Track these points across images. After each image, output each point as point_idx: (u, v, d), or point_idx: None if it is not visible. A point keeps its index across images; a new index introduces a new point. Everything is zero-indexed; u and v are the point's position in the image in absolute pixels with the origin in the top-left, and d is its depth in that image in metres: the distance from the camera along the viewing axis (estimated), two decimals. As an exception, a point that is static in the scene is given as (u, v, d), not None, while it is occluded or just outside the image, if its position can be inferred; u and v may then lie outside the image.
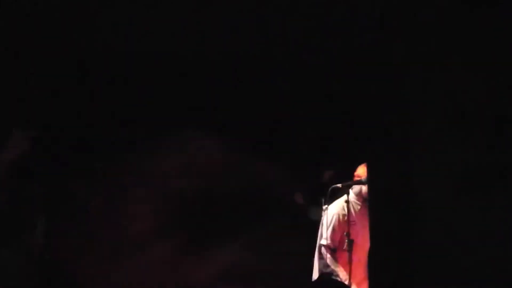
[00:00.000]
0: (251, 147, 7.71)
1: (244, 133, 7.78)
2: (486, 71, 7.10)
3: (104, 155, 7.40)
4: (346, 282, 6.18)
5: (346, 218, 6.32)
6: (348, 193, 6.11)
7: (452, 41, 7.18)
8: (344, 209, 6.36)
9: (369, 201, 6.29)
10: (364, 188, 6.20)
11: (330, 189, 5.97)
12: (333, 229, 6.31)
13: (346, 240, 6.01)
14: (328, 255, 6.23)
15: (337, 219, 6.36)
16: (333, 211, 6.40)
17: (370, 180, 6.11)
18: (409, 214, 7.34)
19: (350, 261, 6.14)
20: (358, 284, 6.24)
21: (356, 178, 6.27)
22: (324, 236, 6.16)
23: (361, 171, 6.29)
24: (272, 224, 6.73)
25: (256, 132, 7.78)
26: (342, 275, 6.31)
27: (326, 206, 6.18)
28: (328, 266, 6.20)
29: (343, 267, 6.37)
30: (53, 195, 6.93)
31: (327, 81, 7.76)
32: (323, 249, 6.13)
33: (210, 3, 7.08)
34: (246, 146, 7.72)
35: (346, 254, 6.28)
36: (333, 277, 6.10)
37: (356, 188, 6.26)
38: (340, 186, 6.04)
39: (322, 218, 6.07)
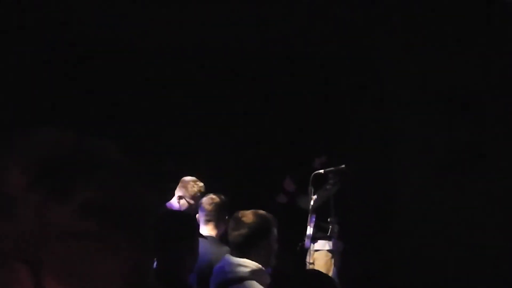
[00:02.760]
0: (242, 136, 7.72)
1: (235, 122, 7.79)
2: (462, 54, 7.02)
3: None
4: None
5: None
6: (331, 179, 6.05)
7: (429, 26, 7.10)
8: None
9: (349, 187, 6.23)
10: None
11: (312, 175, 5.93)
12: None
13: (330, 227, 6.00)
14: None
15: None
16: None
17: (349, 166, 6.03)
18: (388, 197, 7.33)
19: None
20: None
21: None
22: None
23: None
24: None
25: (247, 121, 7.78)
26: None
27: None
28: None
29: None
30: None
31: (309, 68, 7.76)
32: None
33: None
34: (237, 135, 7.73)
35: None
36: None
37: None
38: (323, 172, 5.99)
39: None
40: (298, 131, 7.63)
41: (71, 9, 7.19)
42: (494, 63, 6.95)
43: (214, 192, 5.48)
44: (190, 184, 6.06)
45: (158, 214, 4.83)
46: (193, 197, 5.95)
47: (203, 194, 5.79)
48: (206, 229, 5.17)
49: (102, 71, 7.59)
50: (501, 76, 6.95)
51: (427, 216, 6.93)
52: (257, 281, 3.65)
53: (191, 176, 6.16)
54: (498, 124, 6.94)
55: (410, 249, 6.96)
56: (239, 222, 3.84)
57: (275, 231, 3.89)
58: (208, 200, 5.34)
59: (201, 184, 6.07)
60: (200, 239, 4.07)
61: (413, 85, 7.18)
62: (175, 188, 6.16)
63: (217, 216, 5.22)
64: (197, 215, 5.30)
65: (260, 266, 3.69)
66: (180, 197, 6.04)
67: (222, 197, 5.39)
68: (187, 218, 4.06)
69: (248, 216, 3.86)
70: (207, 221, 5.21)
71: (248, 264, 3.68)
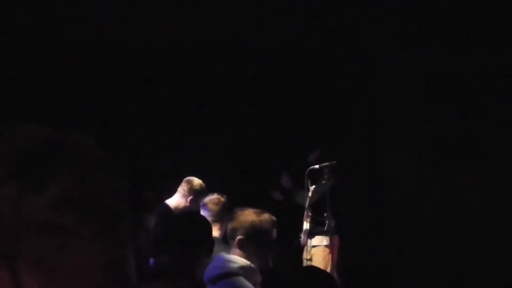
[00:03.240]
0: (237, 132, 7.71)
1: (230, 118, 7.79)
2: (451, 45, 7.03)
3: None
4: None
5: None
6: (326, 174, 6.04)
7: (416, 16, 7.10)
8: None
9: (339, 180, 6.21)
10: None
11: (307, 170, 5.91)
12: None
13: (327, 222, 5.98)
14: None
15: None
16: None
17: (339, 158, 6.03)
18: (376, 188, 7.34)
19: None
20: None
21: None
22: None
23: None
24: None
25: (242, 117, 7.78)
26: None
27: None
28: None
29: None
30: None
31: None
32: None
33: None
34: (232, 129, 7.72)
35: None
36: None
37: None
38: (318, 167, 5.98)
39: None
40: (291, 126, 7.62)
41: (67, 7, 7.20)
42: (486, 52, 6.95)
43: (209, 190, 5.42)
44: (196, 182, 6.01)
45: (179, 215, 4.88)
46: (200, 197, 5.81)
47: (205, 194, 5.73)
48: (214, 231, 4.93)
49: (96, 69, 7.58)
50: (494, 66, 6.95)
51: (418, 209, 6.96)
52: (245, 278, 3.62)
53: (189, 174, 6.10)
54: (490, 115, 6.96)
55: (403, 242, 6.99)
56: (239, 219, 3.81)
57: (274, 232, 3.84)
58: (214, 200, 5.27)
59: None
60: None
61: (403, 75, 7.20)
62: (171, 186, 6.13)
63: (222, 216, 5.12)
64: None
65: (249, 263, 3.65)
66: (192, 199, 5.98)
67: (225, 197, 5.34)
68: (207, 220, 4.03)
69: (249, 214, 3.83)
70: (213, 222, 4.93)
71: (237, 260, 3.65)
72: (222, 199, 5.26)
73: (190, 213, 5.16)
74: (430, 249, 6.88)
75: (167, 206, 5.95)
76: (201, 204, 5.40)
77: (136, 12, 7.18)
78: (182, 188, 6.01)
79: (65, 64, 7.48)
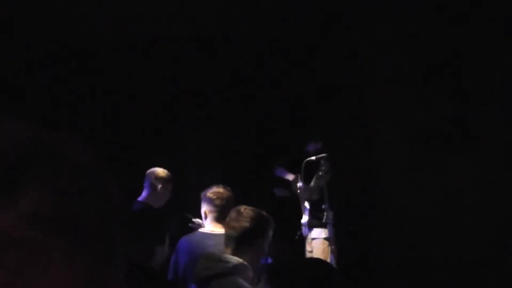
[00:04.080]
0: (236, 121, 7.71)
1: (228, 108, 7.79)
2: (443, 30, 7.03)
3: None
4: None
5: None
6: (323, 166, 6.04)
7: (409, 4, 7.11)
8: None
9: (334, 172, 6.22)
10: None
11: (304, 162, 5.92)
12: None
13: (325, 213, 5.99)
14: None
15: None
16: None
17: (333, 150, 6.04)
18: (371, 179, 7.35)
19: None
20: None
21: None
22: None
23: None
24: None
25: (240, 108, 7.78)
26: None
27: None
28: None
29: None
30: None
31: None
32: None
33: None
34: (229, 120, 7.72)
35: None
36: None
37: None
38: (315, 159, 5.98)
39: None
40: (286, 118, 7.63)
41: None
42: (478, 35, 6.95)
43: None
44: (159, 171, 6.00)
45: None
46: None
47: None
48: (218, 226, 4.78)
49: (88, 68, 7.59)
50: (486, 49, 6.95)
51: (412, 197, 6.98)
52: (240, 277, 3.62)
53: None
54: (482, 99, 6.96)
55: (397, 231, 7.01)
56: (241, 215, 3.82)
57: (270, 233, 3.86)
58: (219, 194, 4.90)
59: None
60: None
61: (395, 62, 7.20)
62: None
63: (227, 211, 4.56)
64: (205, 209, 4.91)
65: (241, 261, 3.65)
66: (161, 187, 5.98)
67: (229, 189, 4.98)
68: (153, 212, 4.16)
69: (248, 212, 3.84)
70: (219, 218, 4.78)
71: (230, 260, 3.65)
72: (227, 192, 4.91)
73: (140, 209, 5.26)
74: (425, 237, 6.90)
75: (142, 203, 5.91)
76: (203, 197, 5.01)
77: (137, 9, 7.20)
78: (148, 181, 5.98)
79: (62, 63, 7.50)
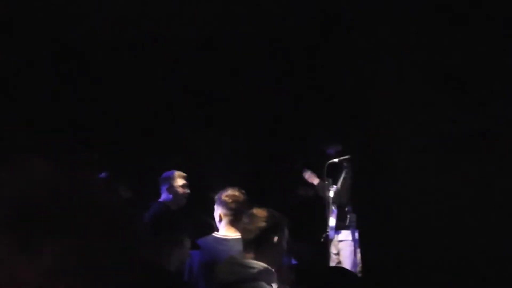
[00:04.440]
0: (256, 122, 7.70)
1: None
2: (462, 37, 7.06)
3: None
4: None
5: None
6: (346, 168, 6.06)
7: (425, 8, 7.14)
8: None
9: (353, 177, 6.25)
10: None
11: (326, 164, 5.94)
12: None
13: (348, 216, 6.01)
14: None
15: None
16: None
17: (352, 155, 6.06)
18: (383, 180, 7.37)
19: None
20: None
21: None
22: None
23: None
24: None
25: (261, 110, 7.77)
26: None
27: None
28: None
29: None
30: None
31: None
32: None
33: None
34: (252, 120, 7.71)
35: None
36: None
37: None
38: (337, 161, 5.99)
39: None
40: (304, 122, 7.63)
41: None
42: (493, 42, 6.99)
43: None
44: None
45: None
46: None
47: None
48: (231, 230, 4.76)
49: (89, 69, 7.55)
50: (503, 56, 7.00)
51: (426, 201, 6.99)
52: (265, 282, 3.62)
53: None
54: (500, 105, 6.99)
55: (412, 234, 7.02)
56: (254, 217, 3.83)
57: (286, 231, 3.86)
58: (235, 197, 4.83)
59: None
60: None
61: (416, 68, 7.22)
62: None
63: (242, 215, 4.49)
64: (219, 213, 4.85)
65: (266, 265, 3.64)
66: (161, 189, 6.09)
67: (244, 192, 4.90)
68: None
69: (261, 213, 3.84)
70: (234, 221, 4.74)
71: (254, 265, 3.64)
72: (242, 195, 4.83)
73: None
74: (440, 241, 6.91)
75: (160, 204, 6.02)
76: (217, 200, 4.91)
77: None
78: (166, 183, 6.16)
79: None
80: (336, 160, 6.05)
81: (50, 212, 0.83)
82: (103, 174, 5.84)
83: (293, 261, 4.58)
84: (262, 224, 3.79)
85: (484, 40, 7.08)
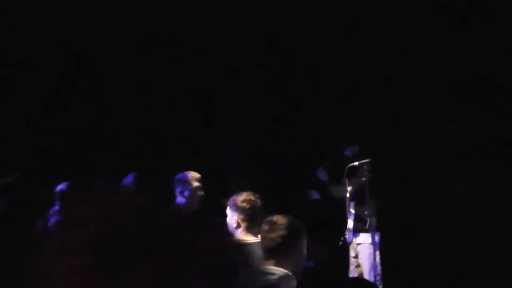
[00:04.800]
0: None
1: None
2: (485, 46, 7.04)
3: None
4: None
5: None
6: (365, 171, 6.06)
7: (446, 20, 7.13)
8: None
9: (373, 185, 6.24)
10: None
11: (347, 168, 5.94)
12: None
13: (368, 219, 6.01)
14: None
15: None
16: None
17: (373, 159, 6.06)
18: (411, 186, 7.36)
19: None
20: None
21: None
22: None
23: None
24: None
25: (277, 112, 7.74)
26: None
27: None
28: None
29: None
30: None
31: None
32: None
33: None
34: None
35: None
36: None
37: None
38: (357, 165, 6.01)
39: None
40: (325, 122, 7.59)
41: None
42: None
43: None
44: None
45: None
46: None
47: None
48: (248, 235, 4.67)
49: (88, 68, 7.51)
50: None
51: (453, 207, 6.96)
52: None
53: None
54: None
55: (437, 241, 6.99)
56: (275, 225, 3.79)
57: (305, 239, 3.84)
58: (252, 202, 4.72)
59: None
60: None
61: (437, 78, 7.21)
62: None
63: (257, 219, 4.47)
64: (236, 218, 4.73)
65: (287, 272, 3.61)
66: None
67: (257, 196, 4.77)
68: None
69: (282, 220, 3.82)
70: (251, 227, 4.65)
71: (275, 271, 3.62)
72: (257, 199, 4.72)
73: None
74: (465, 246, 6.88)
75: (174, 207, 5.95)
76: (232, 205, 4.77)
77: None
78: (180, 186, 6.04)
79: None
80: (356, 163, 6.05)
81: (139, 237, 0.87)
82: (129, 177, 5.79)
83: (309, 263, 4.56)
84: (283, 232, 3.76)
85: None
